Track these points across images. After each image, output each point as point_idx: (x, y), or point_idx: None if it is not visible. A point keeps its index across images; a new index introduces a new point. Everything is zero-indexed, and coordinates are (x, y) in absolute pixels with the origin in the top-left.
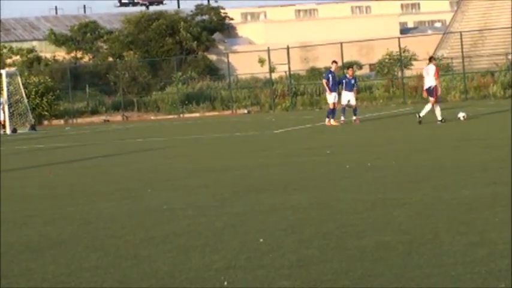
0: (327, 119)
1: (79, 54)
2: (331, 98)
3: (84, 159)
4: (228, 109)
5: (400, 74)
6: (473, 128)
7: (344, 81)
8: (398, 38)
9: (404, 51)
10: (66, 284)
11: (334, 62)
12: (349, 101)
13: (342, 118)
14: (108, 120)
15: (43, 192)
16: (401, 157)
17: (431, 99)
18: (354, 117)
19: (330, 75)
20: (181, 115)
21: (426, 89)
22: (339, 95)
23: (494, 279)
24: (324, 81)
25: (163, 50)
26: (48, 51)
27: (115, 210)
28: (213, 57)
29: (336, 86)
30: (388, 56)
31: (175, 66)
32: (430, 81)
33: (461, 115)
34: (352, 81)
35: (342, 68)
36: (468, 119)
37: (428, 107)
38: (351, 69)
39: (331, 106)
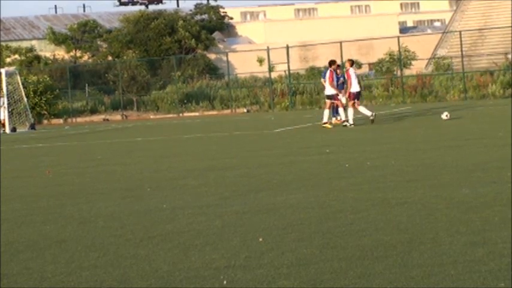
0: (334, 118)
1: (78, 53)
2: (340, 97)
3: (84, 159)
4: (228, 108)
5: (399, 73)
6: (473, 128)
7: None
8: (398, 37)
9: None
10: (65, 283)
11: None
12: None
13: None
14: (107, 120)
15: (43, 192)
16: (401, 156)
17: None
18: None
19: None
20: (180, 114)
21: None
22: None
23: (494, 278)
24: (341, 79)
25: (162, 49)
26: (47, 51)
27: (115, 209)
28: (212, 56)
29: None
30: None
31: (175, 65)
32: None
33: (444, 115)
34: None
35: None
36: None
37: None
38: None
39: (339, 104)
